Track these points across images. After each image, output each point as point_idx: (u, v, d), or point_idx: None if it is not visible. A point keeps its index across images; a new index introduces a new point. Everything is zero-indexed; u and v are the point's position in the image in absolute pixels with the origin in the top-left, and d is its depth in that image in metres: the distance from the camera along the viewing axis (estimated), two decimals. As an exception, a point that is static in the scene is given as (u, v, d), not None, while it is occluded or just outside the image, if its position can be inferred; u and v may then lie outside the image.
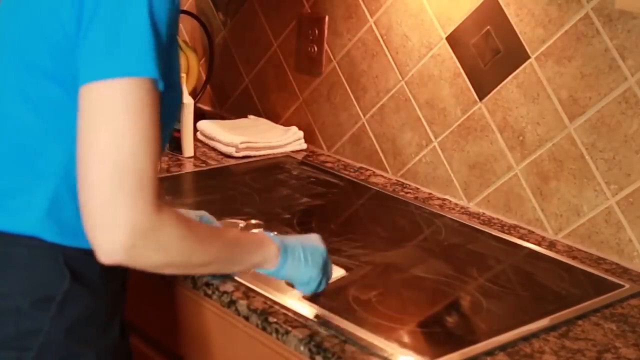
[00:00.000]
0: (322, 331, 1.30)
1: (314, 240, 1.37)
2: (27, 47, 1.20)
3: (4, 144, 1.24)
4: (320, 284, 1.35)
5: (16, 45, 1.22)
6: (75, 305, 1.22)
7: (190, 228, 1.17)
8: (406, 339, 1.33)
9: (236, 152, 2.11)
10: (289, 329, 1.31)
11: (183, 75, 2.19)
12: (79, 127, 1.10)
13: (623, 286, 1.56)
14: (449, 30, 1.89)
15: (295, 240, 1.34)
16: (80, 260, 1.22)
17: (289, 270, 1.31)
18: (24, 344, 1.21)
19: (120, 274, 1.31)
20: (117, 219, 1.07)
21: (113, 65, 1.08)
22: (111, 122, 1.07)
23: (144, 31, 1.09)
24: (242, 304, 1.39)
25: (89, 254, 1.15)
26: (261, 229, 1.60)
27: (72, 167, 1.14)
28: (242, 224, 1.61)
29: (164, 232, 1.11)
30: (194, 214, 1.49)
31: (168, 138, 1.47)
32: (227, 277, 1.45)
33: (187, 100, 2.10)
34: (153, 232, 1.10)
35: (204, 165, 2.07)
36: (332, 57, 2.17)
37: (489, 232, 1.77)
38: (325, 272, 1.35)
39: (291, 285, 1.37)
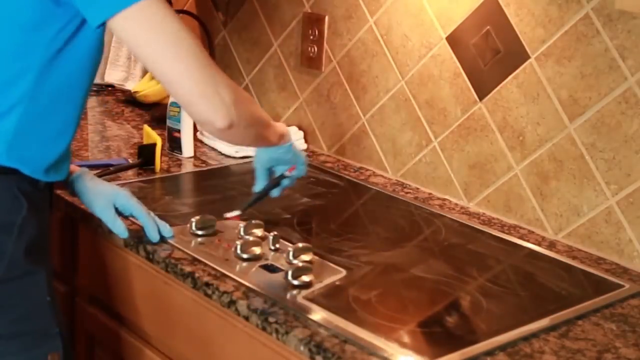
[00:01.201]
0: (322, 331, 1.30)
1: None
2: None
3: None
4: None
5: None
6: (30, 229, 1.40)
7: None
8: (406, 339, 1.33)
9: (236, 152, 2.11)
10: (289, 329, 1.31)
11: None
12: (139, 52, 1.35)
13: (623, 286, 1.56)
14: (449, 30, 1.89)
15: None
16: (29, 190, 1.41)
17: (297, 147, 1.69)
18: None
19: (48, 208, 1.50)
20: (219, 88, 1.35)
21: None
22: (163, 31, 1.32)
23: None
24: (242, 304, 1.39)
25: (34, 185, 1.41)
26: (262, 229, 1.60)
27: (38, 97, 1.37)
28: (242, 224, 1.61)
29: (240, 89, 1.45)
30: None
31: None
32: (227, 277, 1.45)
33: (187, 100, 2.10)
34: (238, 88, 1.43)
35: (204, 165, 2.07)
36: (332, 57, 2.17)
37: (489, 232, 1.77)
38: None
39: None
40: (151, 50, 1.33)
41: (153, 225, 1.58)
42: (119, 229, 1.58)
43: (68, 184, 1.62)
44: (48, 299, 1.42)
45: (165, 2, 1.34)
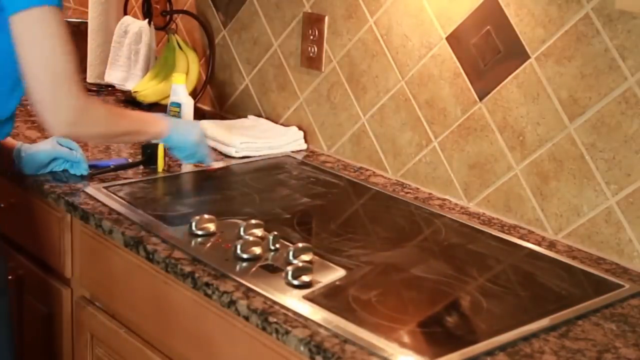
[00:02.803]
0: (322, 331, 1.30)
1: (195, 124, 1.95)
2: None
3: None
4: (195, 156, 1.90)
5: None
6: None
7: (110, 108, 1.81)
8: (406, 339, 1.33)
9: (236, 152, 2.11)
10: (289, 329, 1.31)
11: (183, 74, 2.19)
12: (21, 47, 1.51)
13: (623, 286, 1.56)
14: (449, 30, 1.89)
15: (182, 121, 1.99)
16: None
17: (175, 141, 1.83)
18: None
19: None
20: (63, 104, 1.55)
21: None
22: (46, 41, 1.51)
23: None
24: (242, 304, 1.39)
25: None
26: (262, 229, 1.60)
27: None
28: (242, 224, 1.61)
29: (93, 111, 1.63)
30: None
31: None
32: (227, 277, 1.45)
33: (187, 100, 2.10)
34: (86, 111, 1.60)
35: (204, 165, 2.06)
36: (332, 57, 2.17)
37: (489, 232, 1.77)
38: (199, 149, 1.89)
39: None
40: (33, 53, 1.51)
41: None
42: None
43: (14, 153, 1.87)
44: None
45: (60, 15, 1.52)
